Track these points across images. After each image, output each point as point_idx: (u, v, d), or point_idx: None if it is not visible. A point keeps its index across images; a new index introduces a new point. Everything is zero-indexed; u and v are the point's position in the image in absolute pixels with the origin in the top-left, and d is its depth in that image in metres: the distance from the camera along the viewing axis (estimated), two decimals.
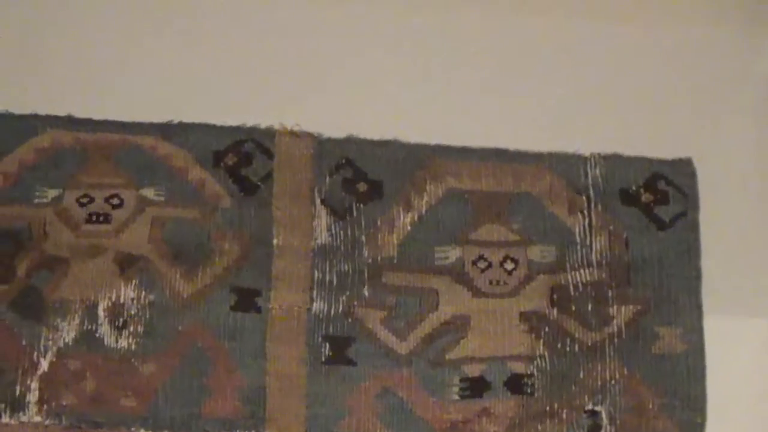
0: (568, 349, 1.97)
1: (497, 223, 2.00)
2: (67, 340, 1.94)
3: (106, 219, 1.98)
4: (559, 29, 2.12)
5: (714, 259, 2.00)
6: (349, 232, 1.99)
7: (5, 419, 1.91)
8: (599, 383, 1.96)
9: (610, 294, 1.98)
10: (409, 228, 1.99)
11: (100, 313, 1.94)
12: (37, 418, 1.92)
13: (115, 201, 1.99)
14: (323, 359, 1.95)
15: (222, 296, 1.95)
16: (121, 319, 1.94)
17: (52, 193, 1.99)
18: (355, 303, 1.97)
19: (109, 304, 1.94)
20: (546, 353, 1.97)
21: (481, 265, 1.99)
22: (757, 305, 2.02)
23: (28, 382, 1.92)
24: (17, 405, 1.92)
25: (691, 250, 2.01)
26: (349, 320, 1.96)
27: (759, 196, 2.05)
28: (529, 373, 1.96)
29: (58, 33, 2.08)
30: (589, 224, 2.01)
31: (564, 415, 1.94)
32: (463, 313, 1.97)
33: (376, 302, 1.97)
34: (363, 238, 1.99)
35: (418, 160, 2.03)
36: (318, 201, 2.01)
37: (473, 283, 1.98)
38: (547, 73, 2.10)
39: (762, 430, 1.98)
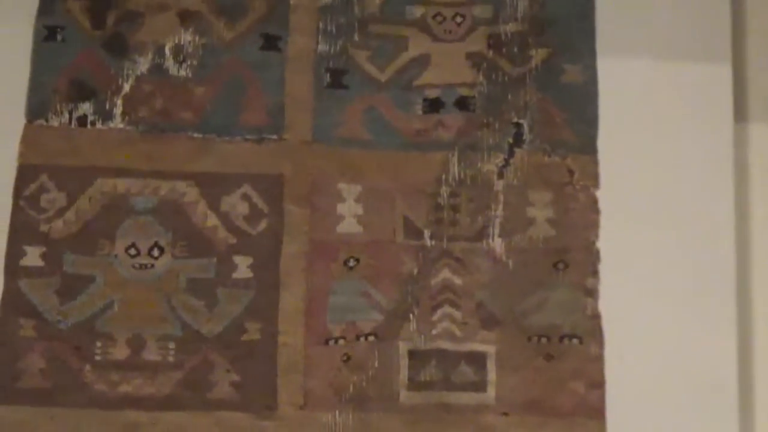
0: (500, 79, 2.30)
1: None
2: (142, 71, 2.30)
3: None
4: None
5: (607, 16, 2.30)
6: None
7: (99, 125, 2.26)
8: (522, 103, 2.28)
9: (530, 40, 2.32)
10: None
11: (167, 51, 2.30)
12: (121, 125, 2.27)
13: None
14: (325, 84, 2.30)
15: (253, 39, 2.31)
16: (181, 56, 2.30)
17: None
18: (349, 45, 2.32)
19: (173, 45, 2.30)
20: (484, 82, 2.30)
21: (439, 19, 2.33)
22: (641, 47, 2.30)
23: (115, 99, 2.28)
24: (107, 116, 2.28)
25: (587, 10, 2.32)
26: (344, 58, 2.31)
27: None
28: (472, 95, 2.30)
29: None
30: None
31: (497, 126, 2.28)
32: (425, 53, 2.33)
33: (363, 45, 2.32)
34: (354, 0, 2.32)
35: None
36: None
37: (433, 31, 2.33)
38: None
39: (645, 139, 2.28)
